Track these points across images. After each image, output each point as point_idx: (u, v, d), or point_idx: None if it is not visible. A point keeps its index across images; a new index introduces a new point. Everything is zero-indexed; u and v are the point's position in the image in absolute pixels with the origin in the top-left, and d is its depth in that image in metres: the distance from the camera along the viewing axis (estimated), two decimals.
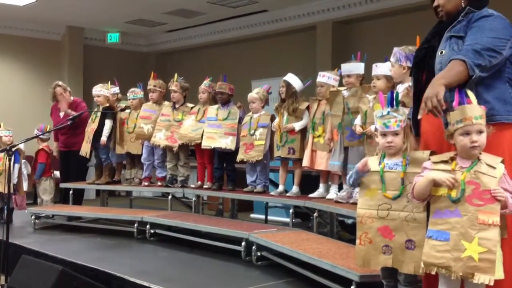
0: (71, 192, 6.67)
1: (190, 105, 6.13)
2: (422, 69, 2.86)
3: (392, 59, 3.99)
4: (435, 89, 2.46)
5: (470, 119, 2.43)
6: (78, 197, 6.92)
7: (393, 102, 2.76)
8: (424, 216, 2.58)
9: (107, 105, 6.52)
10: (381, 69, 4.29)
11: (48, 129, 6.78)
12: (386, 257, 2.67)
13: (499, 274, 2.39)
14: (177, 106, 6.12)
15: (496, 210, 2.39)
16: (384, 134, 2.75)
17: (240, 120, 5.66)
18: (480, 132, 2.45)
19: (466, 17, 2.73)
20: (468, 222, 2.41)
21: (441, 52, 2.70)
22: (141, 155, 6.40)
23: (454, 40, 2.69)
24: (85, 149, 6.51)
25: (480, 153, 2.49)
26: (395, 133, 2.72)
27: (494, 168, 2.44)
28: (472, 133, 2.44)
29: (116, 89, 6.75)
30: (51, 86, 6.96)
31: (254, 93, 5.52)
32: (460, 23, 2.72)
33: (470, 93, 2.51)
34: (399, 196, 2.66)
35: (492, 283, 2.35)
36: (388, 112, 2.75)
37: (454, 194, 2.46)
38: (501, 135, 2.59)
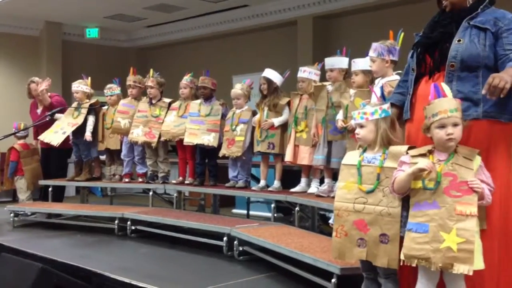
0: (50, 189, 6.60)
1: (167, 100, 6.11)
2: (429, 53, 2.81)
3: (373, 54, 4.00)
4: (508, 78, 2.42)
5: (445, 112, 2.46)
6: (59, 194, 6.85)
7: (383, 95, 2.83)
8: (398, 211, 2.60)
9: (87, 100, 6.47)
10: (358, 64, 4.34)
11: (22, 127, 6.71)
12: (360, 250, 2.69)
13: (480, 264, 2.42)
14: (153, 101, 6.09)
15: (474, 201, 2.42)
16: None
17: (223, 116, 5.65)
18: (456, 124, 2.48)
19: (483, 10, 2.73)
20: (446, 213, 2.44)
21: (459, 40, 2.68)
22: (119, 151, 6.36)
23: (475, 31, 2.68)
24: (53, 137, 6.30)
25: (457, 146, 2.52)
26: (360, 125, 2.77)
27: (471, 160, 2.48)
28: (448, 125, 2.47)
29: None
30: (27, 83, 6.90)
31: (239, 90, 5.50)
32: (484, 16, 2.71)
33: (445, 87, 2.55)
34: (372, 190, 2.68)
35: (471, 273, 2.37)
36: (364, 105, 2.79)
37: (431, 185, 2.49)
38: (496, 131, 2.65)
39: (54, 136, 6.37)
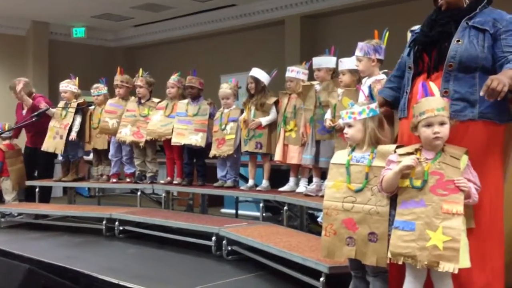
0: (37, 190, 6.56)
1: (156, 100, 6.09)
2: (426, 52, 2.78)
3: (359, 53, 4.01)
4: (506, 81, 2.42)
5: (432, 110, 2.48)
6: (46, 195, 6.79)
7: (371, 95, 2.84)
8: (386, 210, 2.62)
9: (75, 100, 6.43)
10: (345, 64, 4.35)
11: (7, 127, 6.67)
12: (349, 248, 2.70)
13: (466, 263, 2.44)
14: (142, 101, 6.08)
15: (460, 199, 2.44)
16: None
17: (211, 116, 5.64)
18: (442, 123, 2.49)
19: (481, 10, 2.72)
20: (432, 211, 2.45)
21: (458, 41, 2.66)
22: (107, 151, 6.33)
23: (474, 32, 2.66)
24: (54, 145, 6.36)
25: (444, 145, 2.54)
26: (349, 125, 2.79)
27: (458, 159, 2.49)
28: (434, 124, 2.49)
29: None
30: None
31: (228, 89, 5.49)
32: (483, 16, 2.70)
33: (433, 86, 2.56)
34: (361, 189, 2.69)
35: (456, 271, 2.39)
36: (352, 105, 2.81)
37: (418, 183, 2.51)
38: (490, 133, 2.66)
39: (54, 143, 6.37)
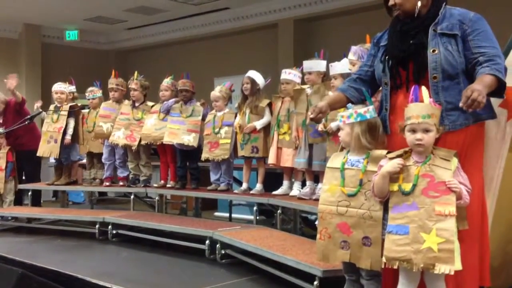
0: (30, 193, 6.53)
1: (150, 103, 6.08)
2: (402, 65, 2.77)
3: (353, 57, 4.02)
4: (484, 90, 2.43)
5: (417, 117, 2.49)
6: (36, 199, 6.76)
7: (370, 99, 2.84)
8: (380, 214, 2.63)
9: (67, 103, 6.41)
10: (335, 68, 4.36)
11: (1, 130, 6.66)
12: (344, 252, 2.71)
13: (457, 265, 2.43)
14: (137, 104, 6.06)
15: (452, 200, 2.45)
16: None
17: (204, 117, 5.64)
18: (426, 130, 2.49)
19: (443, 13, 2.73)
20: (425, 214, 2.46)
21: (434, 51, 2.67)
22: (100, 154, 6.32)
23: (445, 38, 2.68)
24: (49, 149, 6.34)
25: (434, 148, 2.55)
26: (341, 127, 2.81)
27: (449, 160, 2.51)
28: (418, 131, 2.50)
29: (72, 88, 6.63)
30: None
31: (217, 92, 5.50)
32: (448, 20, 2.71)
33: (424, 91, 2.56)
34: (355, 194, 2.70)
35: (452, 272, 2.39)
36: (349, 107, 2.82)
37: (408, 187, 2.52)
38: (479, 133, 2.72)
39: (49, 147, 6.35)
